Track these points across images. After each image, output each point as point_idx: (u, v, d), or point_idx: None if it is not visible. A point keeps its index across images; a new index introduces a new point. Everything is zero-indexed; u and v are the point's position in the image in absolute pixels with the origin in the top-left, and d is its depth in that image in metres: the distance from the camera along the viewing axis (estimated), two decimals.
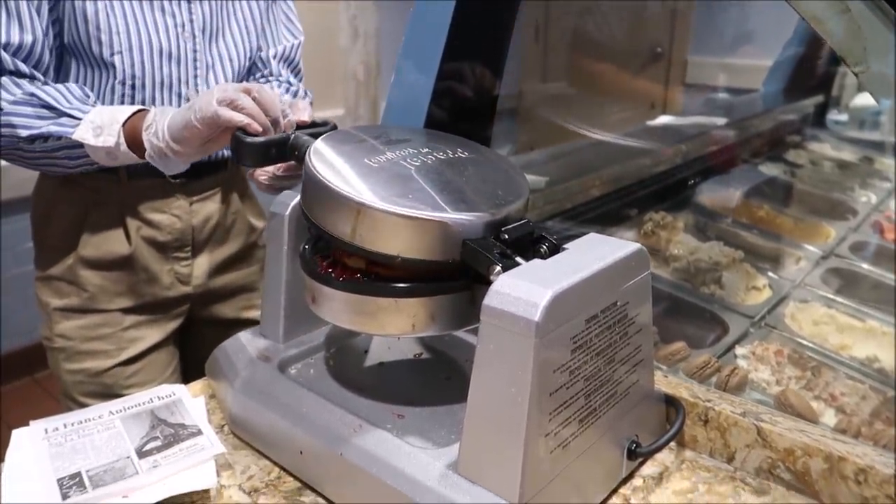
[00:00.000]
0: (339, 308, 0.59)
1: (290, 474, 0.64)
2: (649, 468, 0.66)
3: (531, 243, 0.58)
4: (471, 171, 0.64)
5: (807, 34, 2.01)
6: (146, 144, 0.84)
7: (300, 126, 0.76)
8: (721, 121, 1.63)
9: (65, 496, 0.59)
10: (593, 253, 0.55)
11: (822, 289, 1.07)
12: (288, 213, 0.70)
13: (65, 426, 0.68)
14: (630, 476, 0.64)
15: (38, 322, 1.11)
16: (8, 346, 2.45)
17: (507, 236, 0.57)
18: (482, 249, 0.55)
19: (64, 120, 0.88)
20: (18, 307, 2.46)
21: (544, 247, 0.57)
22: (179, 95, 1.02)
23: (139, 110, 0.88)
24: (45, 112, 0.88)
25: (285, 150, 0.71)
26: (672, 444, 0.69)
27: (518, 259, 0.54)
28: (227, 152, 1.09)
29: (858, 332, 0.98)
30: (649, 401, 0.65)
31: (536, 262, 0.54)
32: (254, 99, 0.75)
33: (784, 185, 1.55)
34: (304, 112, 0.78)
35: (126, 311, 1.08)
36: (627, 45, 3.73)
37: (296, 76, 1.21)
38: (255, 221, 1.20)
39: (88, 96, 0.93)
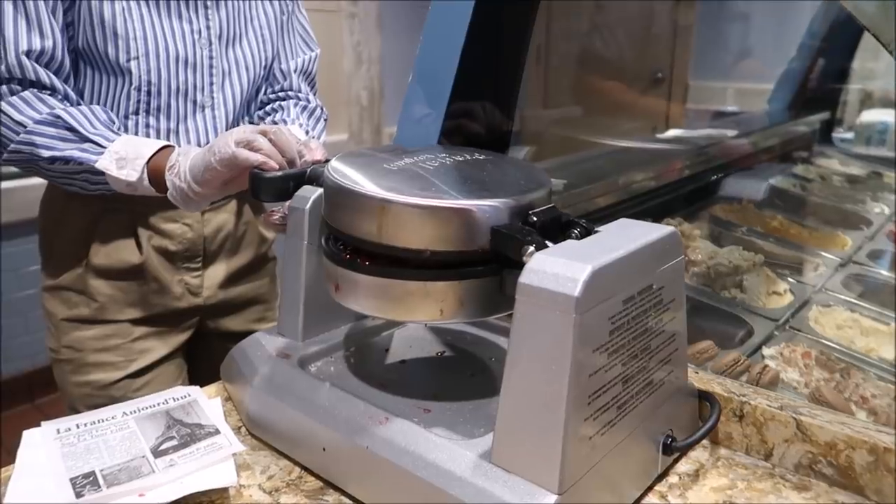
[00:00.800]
0: (365, 294, 0.58)
1: (312, 473, 0.62)
2: (684, 466, 0.64)
3: (561, 227, 0.57)
4: (490, 168, 0.64)
5: (810, 50, 2.03)
6: (169, 185, 0.85)
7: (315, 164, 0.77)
8: (732, 132, 1.63)
9: (78, 495, 0.56)
10: (627, 234, 0.54)
11: (843, 293, 1.05)
12: (308, 207, 0.68)
13: (77, 427, 0.66)
14: (665, 473, 0.62)
15: (40, 347, 1.09)
16: (8, 370, 2.42)
17: (535, 219, 0.55)
18: (512, 232, 0.53)
19: (87, 146, 0.88)
20: (19, 331, 2.43)
21: (576, 231, 0.56)
22: (195, 102, 1.01)
23: (164, 147, 0.88)
24: (68, 135, 0.88)
25: (303, 182, 0.71)
26: (706, 441, 0.67)
27: (548, 243, 0.52)
28: None
29: (883, 336, 0.96)
30: (683, 394, 0.63)
31: (570, 242, 0.52)
32: (270, 140, 0.76)
33: (796, 198, 1.54)
34: (317, 151, 0.79)
35: (136, 321, 1.06)
36: (629, 69, 3.77)
37: (312, 89, 1.22)
38: (266, 232, 1.19)
39: (114, 122, 0.93)
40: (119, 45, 0.94)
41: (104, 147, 0.88)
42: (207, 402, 0.70)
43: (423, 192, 0.55)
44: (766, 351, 0.85)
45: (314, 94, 1.22)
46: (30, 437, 0.64)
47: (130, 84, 0.96)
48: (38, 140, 0.88)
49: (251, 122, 1.14)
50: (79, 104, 0.93)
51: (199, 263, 1.09)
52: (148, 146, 0.88)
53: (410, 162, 0.62)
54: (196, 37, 1.00)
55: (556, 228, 0.56)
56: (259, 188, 0.71)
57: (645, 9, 3.45)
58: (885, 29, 0.56)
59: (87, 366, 1.05)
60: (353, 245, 0.59)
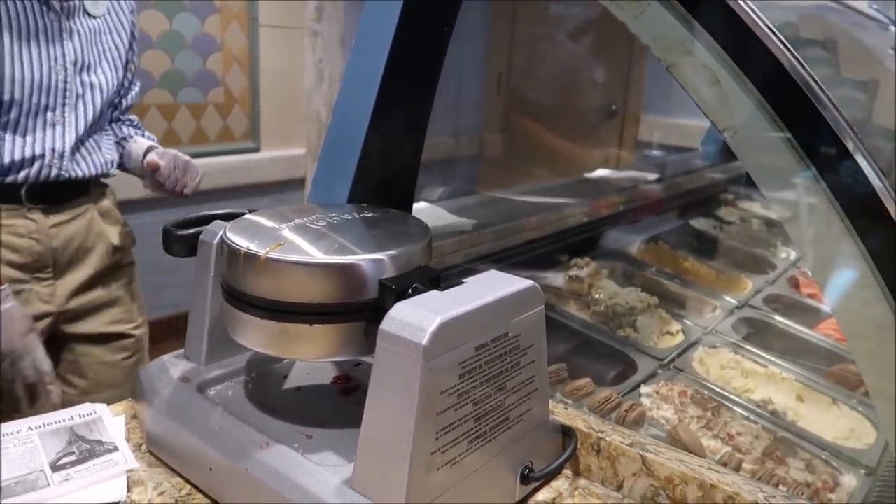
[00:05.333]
0: (252, 333, 0.63)
1: (201, 491, 0.67)
2: (544, 494, 0.70)
3: (432, 281, 0.63)
4: (380, 224, 0.70)
5: None
6: None
7: None
8: (652, 176, 1.73)
9: None
10: (487, 286, 0.61)
11: (731, 336, 1.14)
12: (216, 241, 0.74)
13: None
14: (523, 501, 0.68)
15: None
16: None
17: (410, 275, 0.62)
18: (388, 284, 0.60)
19: None
20: None
21: (443, 283, 0.62)
22: (46, 120, 1.15)
23: None
24: None
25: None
26: (568, 472, 0.74)
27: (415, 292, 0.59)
28: (91, 171, 1.23)
29: (761, 377, 1.05)
30: (544, 429, 0.69)
31: (434, 292, 0.59)
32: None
33: (711, 239, 1.64)
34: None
35: None
36: (585, 99, 3.90)
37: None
38: (117, 242, 1.30)
39: None
40: None
41: None
42: (111, 420, 0.75)
43: (316, 250, 0.61)
44: (643, 389, 0.93)
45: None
46: None
47: None
48: None
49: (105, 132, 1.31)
50: None
51: (49, 274, 1.19)
52: None
53: (302, 222, 0.68)
54: (52, 63, 1.13)
55: (428, 280, 0.63)
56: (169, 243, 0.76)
57: (602, 41, 3.57)
58: (723, 115, 0.64)
59: None
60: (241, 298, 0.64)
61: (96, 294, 1.26)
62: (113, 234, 1.29)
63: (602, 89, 3.89)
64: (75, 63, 1.16)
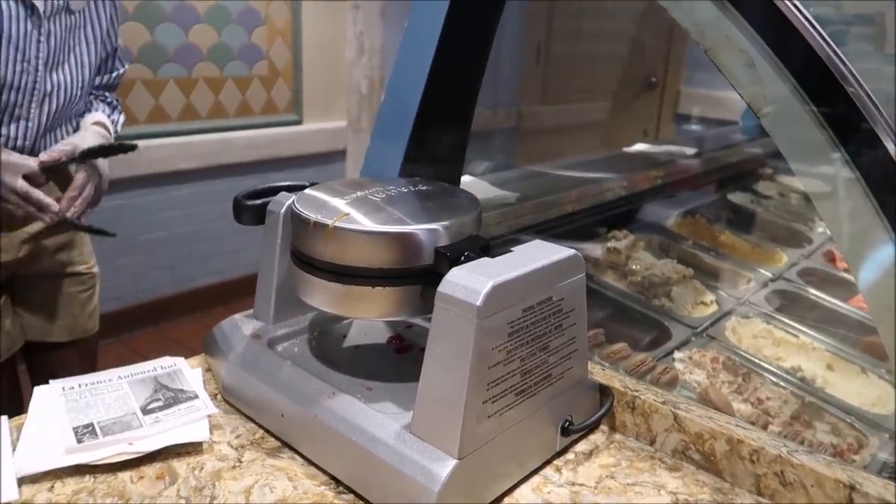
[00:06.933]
0: (320, 294, 0.70)
1: (272, 435, 0.75)
2: (582, 446, 0.77)
3: (483, 249, 0.69)
4: (433, 197, 0.76)
5: None
6: None
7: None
8: (690, 150, 1.75)
9: (79, 440, 0.69)
10: (533, 254, 0.66)
11: (764, 307, 1.18)
12: (282, 211, 0.81)
13: (80, 386, 0.79)
14: (564, 451, 0.75)
15: None
16: None
17: (462, 243, 0.68)
18: (443, 252, 0.66)
19: None
20: None
21: (492, 251, 0.68)
22: (13, 115, 1.21)
23: None
24: None
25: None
26: (604, 427, 0.80)
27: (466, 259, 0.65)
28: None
29: (792, 347, 1.09)
30: (583, 387, 0.75)
31: (485, 259, 0.65)
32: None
33: (748, 213, 1.67)
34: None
35: None
36: (624, 71, 3.87)
37: (113, 91, 1.50)
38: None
39: None
40: None
41: None
42: (190, 371, 0.83)
43: (377, 220, 0.68)
44: (677, 354, 0.98)
45: (113, 93, 1.49)
46: (39, 393, 0.77)
47: None
48: None
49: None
50: None
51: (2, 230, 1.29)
52: None
53: (363, 194, 0.74)
54: (25, 65, 1.18)
55: (478, 249, 0.69)
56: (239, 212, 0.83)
57: (643, 13, 3.54)
58: (757, 96, 0.68)
59: None
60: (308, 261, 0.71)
61: (47, 242, 1.37)
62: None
63: (642, 61, 3.86)
64: (46, 63, 1.22)
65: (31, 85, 1.21)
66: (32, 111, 1.24)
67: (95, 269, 1.51)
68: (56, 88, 1.26)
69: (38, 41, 1.20)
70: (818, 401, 0.95)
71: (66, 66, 1.28)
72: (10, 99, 1.20)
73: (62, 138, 1.34)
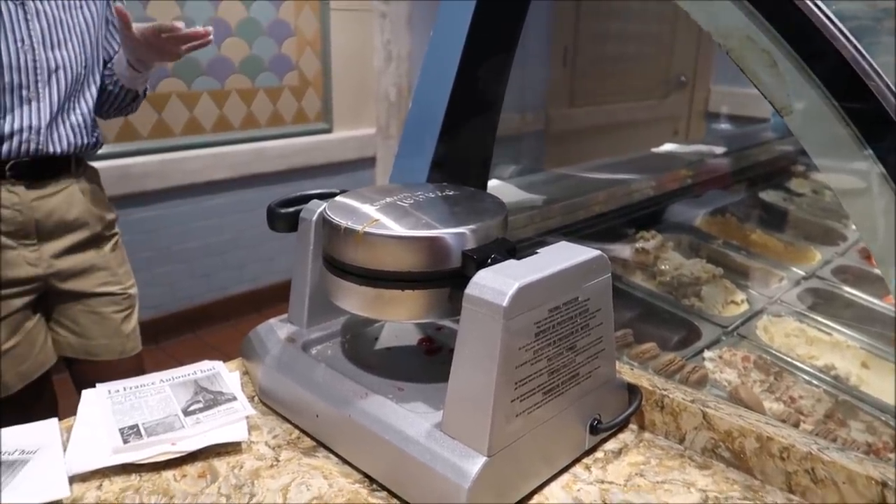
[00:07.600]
0: (351, 298, 0.73)
1: (308, 435, 0.77)
2: (611, 444, 0.77)
3: (509, 251, 0.70)
4: (460, 202, 0.78)
5: None
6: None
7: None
8: (720, 149, 1.74)
9: (125, 441, 0.72)
10: (559, 256, 0.68)
11: (797, 306, 1.17)
12: (314, 218, 0.83)
13: (125, 389, 0.82)
14: (594, 449, 0.76)
15: None
16: None
17: (489, 246, 0.69)
18: (470, 255, 0.68)
19: None
20: None
21: (518, 253, 0.69)
22: (21, 97, 1.25)
23: None
24: None
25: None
26: (633, 426, 0.81)
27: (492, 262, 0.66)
28: (68, 149, 1.35)
29: (825, 345, 1.08)
30: (611, 386, 0.76)
31: (511, 261, 0.66)
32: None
33: (780, 211, 1.65)
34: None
35: None
36: (654, 71, 3.85)
37: None
38: (105, 214, 1.44)
39: None
40: None
41: None
42: (228, 375, 0.86)
43: (406, 225, 0.70)
44: (707, 354, 0.98)
45: None
46: (87, 396, 0.81)
47: None
48: None
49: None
50: None
51: (34, 241, 1.32)
52: None
53: (392, 200, 0.76)
54: (19, 44, 1.22)
55: (503, 252, 0.70)
56: (273, 220, 0.86)
57: (670, 13, 3.52)
58: (779, 95, 0.68)
59: None
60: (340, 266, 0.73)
61: (80, 258, 1.40)
62: (93, 210, 1.41)
63: (671, 60, 3.83)
64: (42, 42, 1.25)
65: (32, 64, 1.25)
66: (41, 91, 1.27)
67: (132, 291, 1.53)
68: (60, 67, 1.30)
69: (26, 20, 1.23)
70: (852, 399, 0.94)
71: (70, 45, 1.31)
72: (13, 79, 1.23)
73: (77, 118, 1.37)
